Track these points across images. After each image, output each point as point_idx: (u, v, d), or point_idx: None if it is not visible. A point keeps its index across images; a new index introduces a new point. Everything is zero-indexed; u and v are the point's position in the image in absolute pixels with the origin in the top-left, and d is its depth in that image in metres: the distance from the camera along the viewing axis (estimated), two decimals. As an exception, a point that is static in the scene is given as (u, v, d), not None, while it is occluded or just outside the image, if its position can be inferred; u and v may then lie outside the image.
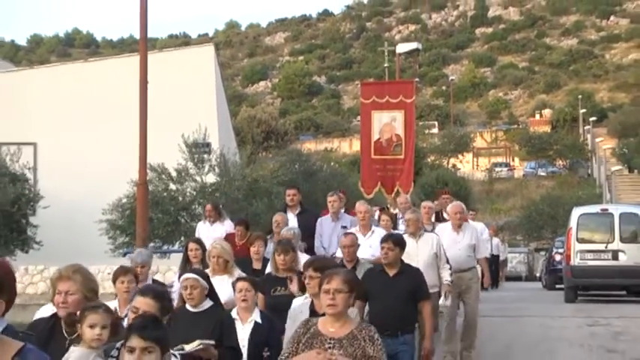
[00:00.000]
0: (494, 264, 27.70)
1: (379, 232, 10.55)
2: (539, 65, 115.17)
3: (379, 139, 15.59)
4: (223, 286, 7.74)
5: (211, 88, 25.57)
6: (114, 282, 7.75)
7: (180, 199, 19.13)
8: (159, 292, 5.31)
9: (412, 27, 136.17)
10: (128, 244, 18.55)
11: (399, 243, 8.28)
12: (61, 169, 21.93)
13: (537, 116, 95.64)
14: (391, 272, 8.15)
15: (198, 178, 19.38)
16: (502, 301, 20.85)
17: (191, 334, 6.02)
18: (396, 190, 15.30)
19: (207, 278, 6.65)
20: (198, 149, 19.83)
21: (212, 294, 6.59)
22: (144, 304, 5.07)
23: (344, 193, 13.80)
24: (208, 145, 20.40)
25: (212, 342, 6.00)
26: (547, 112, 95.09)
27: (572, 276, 21.66)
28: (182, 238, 18.75)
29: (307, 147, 61.75)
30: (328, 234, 11.65)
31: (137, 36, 14.99)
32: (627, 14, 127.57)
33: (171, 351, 5.73)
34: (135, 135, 14.42)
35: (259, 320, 6.99)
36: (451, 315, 11.22)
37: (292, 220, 12.06)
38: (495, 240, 29.36)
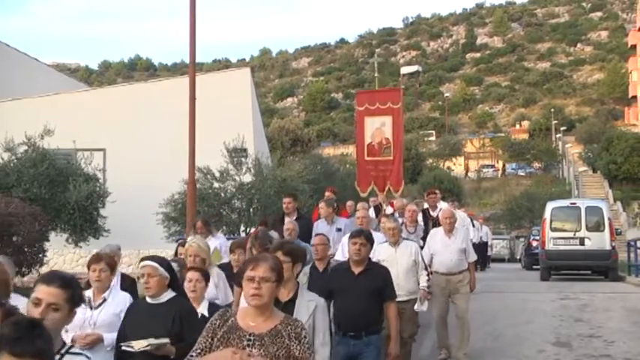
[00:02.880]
0: (484, 249, 27.51)
1: (378, 237, 8.83)
2: (518, 84, 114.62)
3: (371, 142, 14.68)
4: None
5: (248, 104, 25.53)
6: (88, 270, 6.25)
7: (223, 195, 19.11)
8: (68, 279, 3.50)
9: (414, 52, 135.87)
10: (179, 232, 18.58)
11: (371, 239, 6.87)
12: (125, 170, 21.96)
13: (517, 126, 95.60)
14: (357, 270, 6.70)
15: (237, 178, 19.34)
16: (489, 279, 20.76)
17: (147, 328, 4.86)
18: (387, 188, 14.45)
19: (168, 267, 5.21)
20: (237, 154, 19.79)
21: (175, 284, 5.22)
22: (47, 293, 3.34)
23: (333, 191, 13.11)
24: (245, 150, 20.35)
25: (165, 340, 4.74)
26: (525, 122, 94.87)
27: (546, 258, 21.59)
28: (224, 228, 18.77)
29: (327, 152, 61.83)
30: None
31: (187, 61, 14.97)
32: (591, 42, 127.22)
33: (123, 347, 4.87)
34: (185, 142, 14.42)
35: (206, 313, 5.70)
36: (441, 314, 10.03)
37: None
38: (485, 228, 29.11)
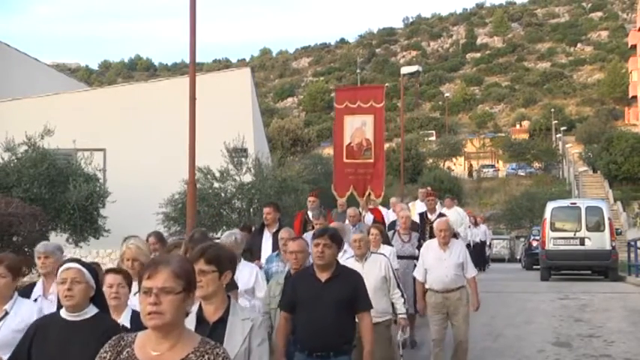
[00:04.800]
0: (483, 249, 27.47)
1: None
2: (518, 84, 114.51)
3: (350, 143, 13.65)
4: None
5: (248, 104, 25.50)
6: None
7: (223, 195, 19.11)
8: None
9: (414, 52, 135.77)
10: (180, 232, 18.59)
11: (337, 239, 5.80)
12: (125, 170, 21.94)
13: (517, 126, 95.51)
14: (323, 276, 5.65)
15: (237, 178, 19.34)
16: (489, 279, 20.76)
17: (67, 352, 3.84)
18: (367, 193, 13.42)
19: (95, 275, 4.21)
20: (237, 154, 19.79)
21: (98, 298, 4.21)
22: None
23: (316, 194, 12.02)
24: (245, 150, 20.35)
25: None
26: (525, 122, 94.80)
27: (546, 258, 21.61)
28: (224, 227, 18.76)
29: (327, 152, 61.59)
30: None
31: (188, 61, 14.96)
32: (591, 42, 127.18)
33: None
34: (185, 142, 14.40)
35: (127, 324, 4.64)
36: (438, 337, 8.90)
37: (268, 239, 9.55)
38: (483, 227, 29.02)
